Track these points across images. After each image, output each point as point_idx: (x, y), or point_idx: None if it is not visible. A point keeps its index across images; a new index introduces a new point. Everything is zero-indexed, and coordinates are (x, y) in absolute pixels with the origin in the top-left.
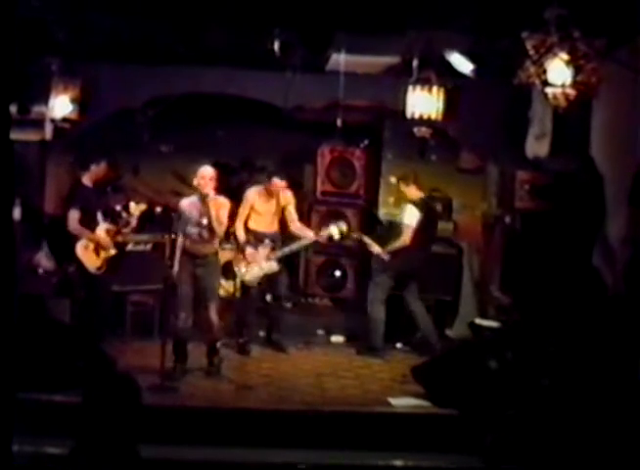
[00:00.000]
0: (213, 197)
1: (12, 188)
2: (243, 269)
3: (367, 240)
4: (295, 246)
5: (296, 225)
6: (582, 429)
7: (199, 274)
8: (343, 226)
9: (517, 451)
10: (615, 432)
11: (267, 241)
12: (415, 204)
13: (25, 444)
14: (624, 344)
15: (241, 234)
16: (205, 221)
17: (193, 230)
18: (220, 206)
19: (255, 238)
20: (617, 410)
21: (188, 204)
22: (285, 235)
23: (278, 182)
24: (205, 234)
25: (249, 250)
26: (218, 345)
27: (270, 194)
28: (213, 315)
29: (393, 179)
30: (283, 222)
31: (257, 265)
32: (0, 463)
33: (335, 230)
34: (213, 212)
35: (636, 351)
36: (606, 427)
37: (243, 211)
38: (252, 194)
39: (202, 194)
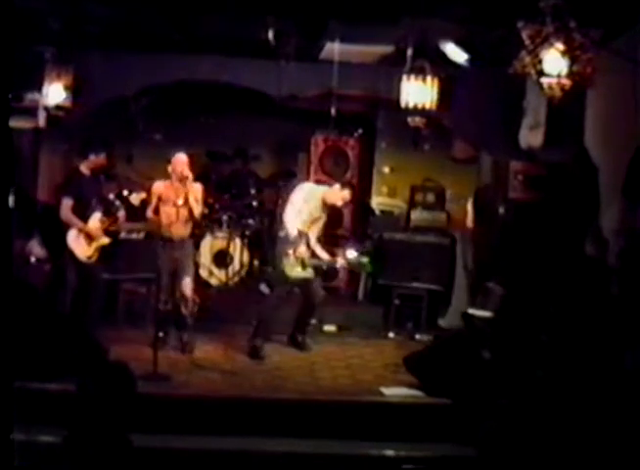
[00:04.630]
0: (190, 181)
1: (10, 177)
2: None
3: None
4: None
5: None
6: (575, 418)
7: (176, 257)
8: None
9: (510, 441)
10: (608, 423)
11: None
12: None
13: (18, 432)
14: (615, 334)
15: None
16: (180, 202)
17: (169, 211)
18: (196, 189)
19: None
20: (607, 400)
21: (163, 186)
22: None
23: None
24: (182, 214)
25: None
26: (189, 320)
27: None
28: (187, 289)
29: (387, 169)
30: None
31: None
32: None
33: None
34: (191, 195)
35: (624, 340)
36: (599, 418)
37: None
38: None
39: (180, 176)
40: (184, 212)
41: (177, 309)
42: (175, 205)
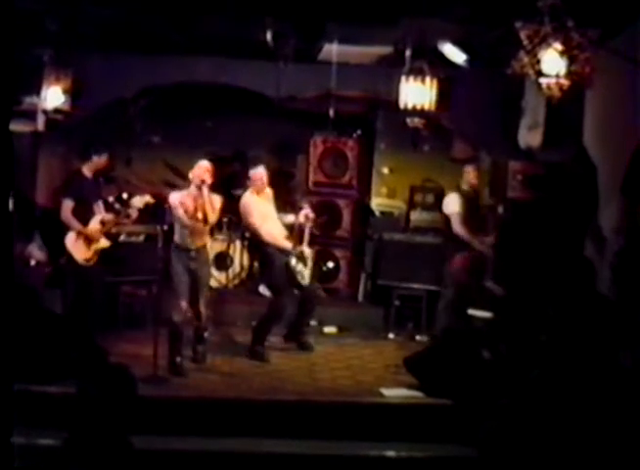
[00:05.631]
0: (208, 192)
1: (10, 180)
2: (305, 273)
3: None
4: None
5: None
6: (576, 418)
7: (192, 267)
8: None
9: (511, 441)
10: (608, 422)
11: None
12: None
13: (18, 435)
14: (614, 333)
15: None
16: (200, 215)
17: (187, 223)
18: (215, 200)
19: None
20: (607, 400)
21: (181, 197)
22: None
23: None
24: (200, 227)
25: (307, 250)
26: (206, 335)
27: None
28: (203, 307)
29: (386, 170)
30: None
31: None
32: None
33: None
34: (209, 205)
35: (622, 340)
36: (599, 418)
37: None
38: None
39: (199, 186)
40: (202, 224)
41: (194, 326)
42: (194, 216)
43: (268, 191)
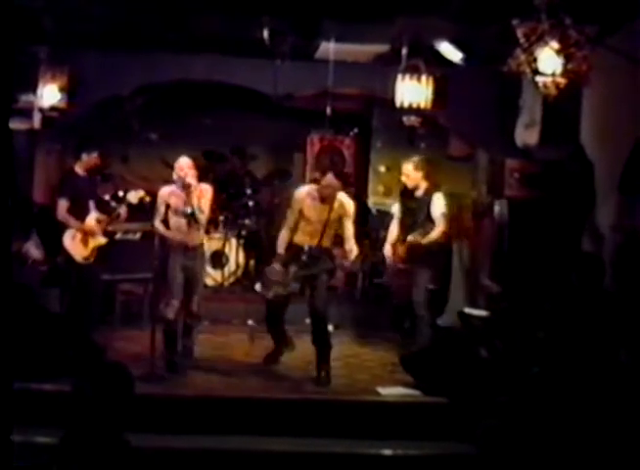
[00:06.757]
0: (196, 185)
1: (11, 178)
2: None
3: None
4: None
5: (350, 244)
6: (574, 415)
7: (187, 265)
8: None
9: (509, 438)
10: (606, 419)
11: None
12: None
13: (14, 433)
14: (611, 330)
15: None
16: (189, 210)
17: (180, 221)
18: (203, 194)
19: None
20: (605, 396)
21: (169, 193)
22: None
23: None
24: (193, 223)
25: (276, 267)
26: (195, 331)
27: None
28: (196, 307)
29: (383, 168)
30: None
31: (282, 286)
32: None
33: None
34: (196, 201)
35: (619, 336)
36: (597, 414)
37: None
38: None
39: (184, 183)
40: (193, 223)
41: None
42: (185, 214)
43: (344, 204)
